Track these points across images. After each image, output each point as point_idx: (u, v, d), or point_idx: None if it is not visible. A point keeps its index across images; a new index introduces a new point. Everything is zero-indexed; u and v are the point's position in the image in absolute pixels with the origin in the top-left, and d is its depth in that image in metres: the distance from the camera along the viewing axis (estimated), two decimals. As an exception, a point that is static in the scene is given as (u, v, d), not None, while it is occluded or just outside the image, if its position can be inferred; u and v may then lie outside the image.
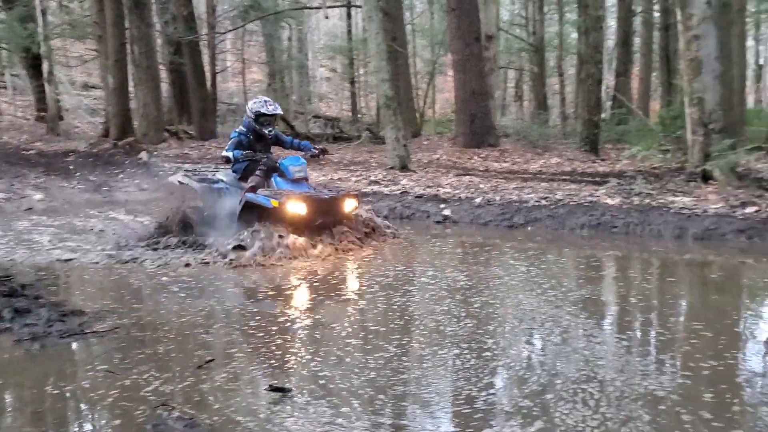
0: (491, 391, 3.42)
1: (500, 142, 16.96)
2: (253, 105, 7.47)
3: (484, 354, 3.95)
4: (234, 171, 7.60)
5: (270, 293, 5.62)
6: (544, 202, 9.49)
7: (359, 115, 25.87)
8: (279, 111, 7.59)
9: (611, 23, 26.97)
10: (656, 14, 22.61)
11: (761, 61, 36.44)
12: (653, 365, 3.78)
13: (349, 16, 26.59)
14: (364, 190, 10.56)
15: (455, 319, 4.65)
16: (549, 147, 16.74)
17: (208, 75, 21.26)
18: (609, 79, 24.24)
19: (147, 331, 4.51)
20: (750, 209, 8.07)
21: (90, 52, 25.30)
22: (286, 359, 3.99)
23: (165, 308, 5.10)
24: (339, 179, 11.87)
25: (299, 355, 4.09)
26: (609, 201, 9.24)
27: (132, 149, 16.43)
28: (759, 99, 33.04)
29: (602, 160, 14.28)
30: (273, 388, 3.53)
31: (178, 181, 8.06)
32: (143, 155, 15.73)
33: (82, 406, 3.43)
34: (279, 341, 4.27)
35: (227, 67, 29.13)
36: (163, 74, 21.76)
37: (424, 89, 24.07)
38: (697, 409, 3.10)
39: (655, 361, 3.87)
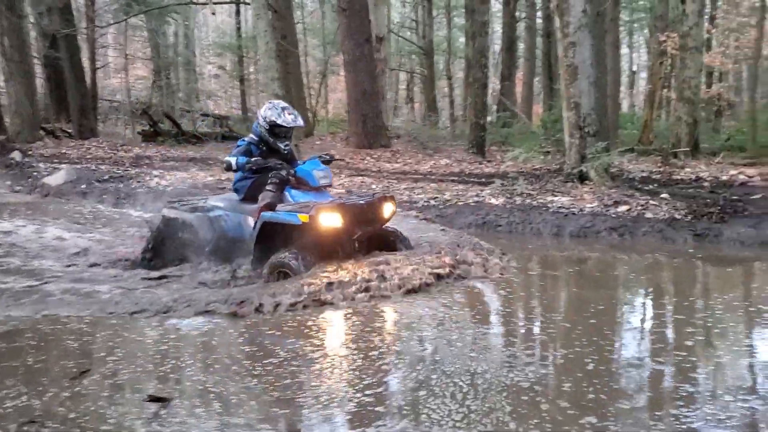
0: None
1: (392, 143, 17.21)
2: (268, 112, 5.94)
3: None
4: (236, 190, 6.16)
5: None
6: (433, 202, 9.71)
7: (249, 114, 25.46)
8: (300, 122, 6.11)
9: (497, 28, 27.98)
10: (539, 21, 23.67)
11: (635, 68, 38.90)
12: (523, 357, 3.94)
13: (237, 13, 26.15)
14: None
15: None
16: (439, 148, 17.16)
17: (87, 71, 20.24)
18: (495, 83, 25.14)
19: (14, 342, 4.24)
20: (622, 208, 8.60)
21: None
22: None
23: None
24: (228, 179, 11.60)
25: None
26: (493, 201, 9.57)
27: (3, 148, 15.41)
28: (633, 104, 35.24)
29: (488, 161, 14.77)
30: (152, 398, 3.40)
31: (163, 216, 6.63)
32: (15, 155, 14.79)
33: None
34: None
35: (109, 62, 27.87)
36: (40, 69, 20.56)
37: (316, 89, 24.04)
38: (556, 399, 3.28)
39: (522, 353, 4.03)
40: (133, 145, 18.09)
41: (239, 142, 6.10)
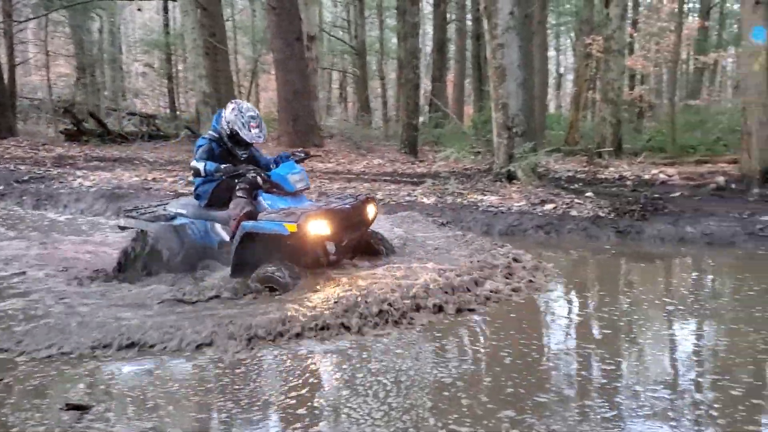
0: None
1: (325, 142, 17.11)
2: (231, 117, 5.54)
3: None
4: (197, 196, 5.75)
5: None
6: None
7: (178, 113, 24.88)
8: (262, 138, 5.65)
9: (429, 30, 28.25)
10: (469, 23, 24.00)
11: (561, 70, 39.97)
12: (447, 354, 3.99)
13: (165, 9, 25.51)
14: (181, 191, 10.14)
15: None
16: (372, 148, 17.18)
17: (5, 67, 19.33)
18: (427, 84, 25.34)
19: None
20: (548, 206, 8.79)
21: None
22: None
23: None
24: (153, 179, 11.30)
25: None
26: (425, 200, 9.62)
27: None
28: (560, 105, 36.18)
29: (421, 161, 14.87)
30: (70, 407, 3.26)
31: (119, 227, 6.21)
32: None
33: None
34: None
35: (29, 59, 26.71)
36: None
37: (247, 87, 23.70)
38: (477, 393, 3.33)
39: (447, 350, 4.08)
40: (56, 144, 17.38)
41: (199, 141, 5.68)
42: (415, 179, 11.66)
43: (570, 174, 11.71)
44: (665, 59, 18.33)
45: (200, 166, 5.35)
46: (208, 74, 12.21)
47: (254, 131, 5.51)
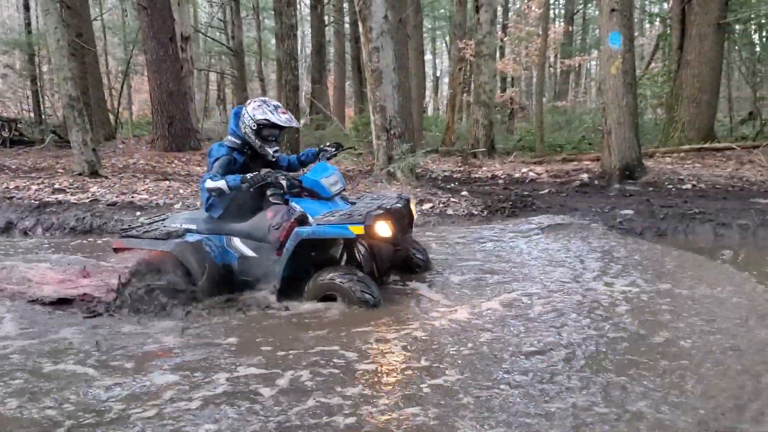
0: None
1: (203, 145, 16.68)
2: (256, 111, 4.94)
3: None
4: (209, 207, 5.07)
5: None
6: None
7: (44, 117, 23.43)
8: (296, 123, 5.13)
9: (309, 31, 28.19)
10: (347, 26, 24.20)
11: (438, 74, 41.12)
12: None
13: (27, 7, 23.91)
14: (47, 200, 9.59)
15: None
16: (252, 151, 16.90)
17: None
18: (308, 86, 25.31)
19: None
20: (426, 206, 9.02)
21: None
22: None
23: None
24: (16, 188, 10.59)
25: None
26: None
27: None
28: (437, 107, 37.21)
29: (302, 163, 14.80)
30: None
31: (114, 249, 5.31)
32: None
33: None
34: None
35: None
36: None
37: (118, 89, 22.69)
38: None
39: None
40: None
41: (214, 150, 4.99)
42: (296, 182, 11.60)
43: (447, 174, 12.08)
44: (534, 62, 19.30)
45: (221, 185, 4.68)
46: (74, 76, 11.56)
47: (284, 116, 4.96)
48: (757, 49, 18.91)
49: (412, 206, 5.26)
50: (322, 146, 5.48)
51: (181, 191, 10.60)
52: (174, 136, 15.33)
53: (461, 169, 12.75)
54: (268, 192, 4.94)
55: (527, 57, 20.03)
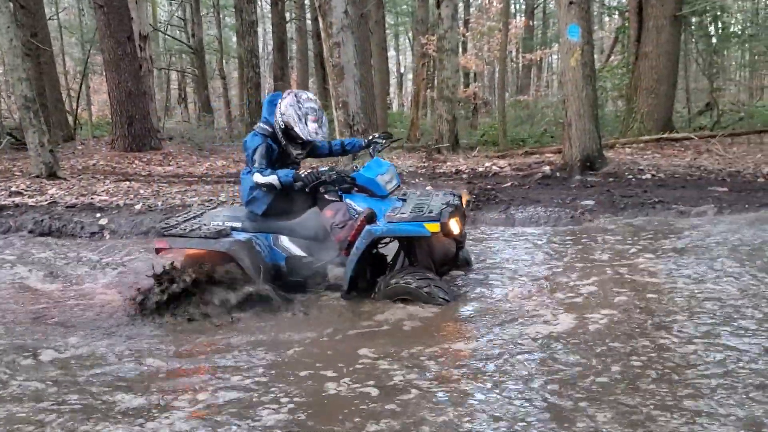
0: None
1: (164, 145, 16.46)
2: (289, 110, 4.70)
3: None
4: (250, 203, 4.83)
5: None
6: (208, 204, 9.41)
7: (-1, 119, 22.85)
8: (322, 136, 4.75)
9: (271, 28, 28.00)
10: (309, 22, 24.08)
11: (402, 70, 41.17)
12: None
13: (-22, 5, 23.30)
14: (4, 203, 9.36)
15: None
16: (215, 149, 16.78)
17: None
18: (270, 83, 25.14)
19: None
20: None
21: None
22: None
23: None
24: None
25: None
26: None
27: None
28: (402, 104, 37.25)
29: (266, 161, 14.70)
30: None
31: (156, 249, 4.95)
32: None
33: None
34: None
35: None
36: None
37: (76, 90, 22.25)
38: None
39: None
40: None
41: (249, 140, 4.76)
42: (260, 180, 11.51)
43: (412, 169, 12.09)
44: (495, 57, 19.42)
45: (271, 180, 4.48)
46: (29, 77, 11.31)
47: (312, 126, 4.65)
48: (713, 40, 19.35)
49: (464, 200, 5.11)
50: (371, 137, 5.24)
51: (141, 191, 10.45)
52: (134, 136, 15.08)
53: (426, 164, 12.77)
54: (322, 189, 4.68)
55: (489, 52, 20.14)
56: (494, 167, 11.69)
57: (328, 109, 18.30)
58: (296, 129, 4.66)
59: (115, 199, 9.88)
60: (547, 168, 11.04)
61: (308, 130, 4.66)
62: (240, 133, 19.26)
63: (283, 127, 4.74)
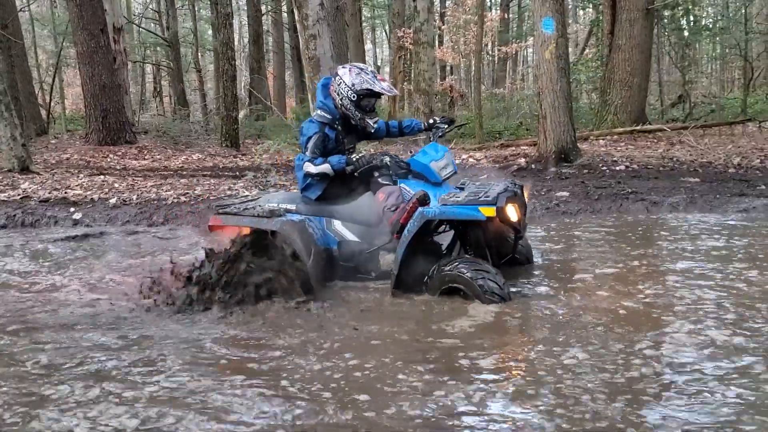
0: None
1: (139, 138, 16.33)
2: (356, 79, 4.55)
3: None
4: (305, 188, 4.77)
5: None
6: (183, 198, 9.40)
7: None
8: (395, 90, 4.92)
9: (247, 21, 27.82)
10: (285, 15, 23.97)
11: (379, 63, 41.13)
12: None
13: (-53, -3, 22.86)
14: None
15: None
16: (191, 143, 16.69)
17: None
18: (247, 76, 25.01)
19: None
20: (368, 193, 9.07)
21: None
22: None
23: None
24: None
25: None
26: (247, 193, 9.53)
27: None
28: (379, 96, 37.21)
29: (243, 155, 14.68)
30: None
31: (209, 226, 4.96)
32: None
33: None
34: None
35: None
36: None
37: (49, 83, 21.96)
38: None
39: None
40: None
41: (305, 128, 4.67)
42: (237, 173, 11.51)
43: (388, 162, 12.13)
44: (471, 50, 19.50)
45: (325, 169, 4.46)
46: (0, 70, 11.17)
47: (384, 84, 4.63)
48: (685, 33, 19.61)
49: (526, 193, 4.81)
50: (433, 120, 5.08)
51: (116, 185, 10.37)
52: (108, 129, 14.94)
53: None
54: (376, 173, 4.62)
55: (465, 45, 20.21)
56: (471, 159, 11.77)
57: (305, 102, 18.42)
58: (375, 88, 4.55)
59: (89, 193, 9.79)
60: (522, 160, 11.14)
61: (383, 86, 4.63)
62: (216, 126, 19.18)
63: (354, 98, 4.57)
